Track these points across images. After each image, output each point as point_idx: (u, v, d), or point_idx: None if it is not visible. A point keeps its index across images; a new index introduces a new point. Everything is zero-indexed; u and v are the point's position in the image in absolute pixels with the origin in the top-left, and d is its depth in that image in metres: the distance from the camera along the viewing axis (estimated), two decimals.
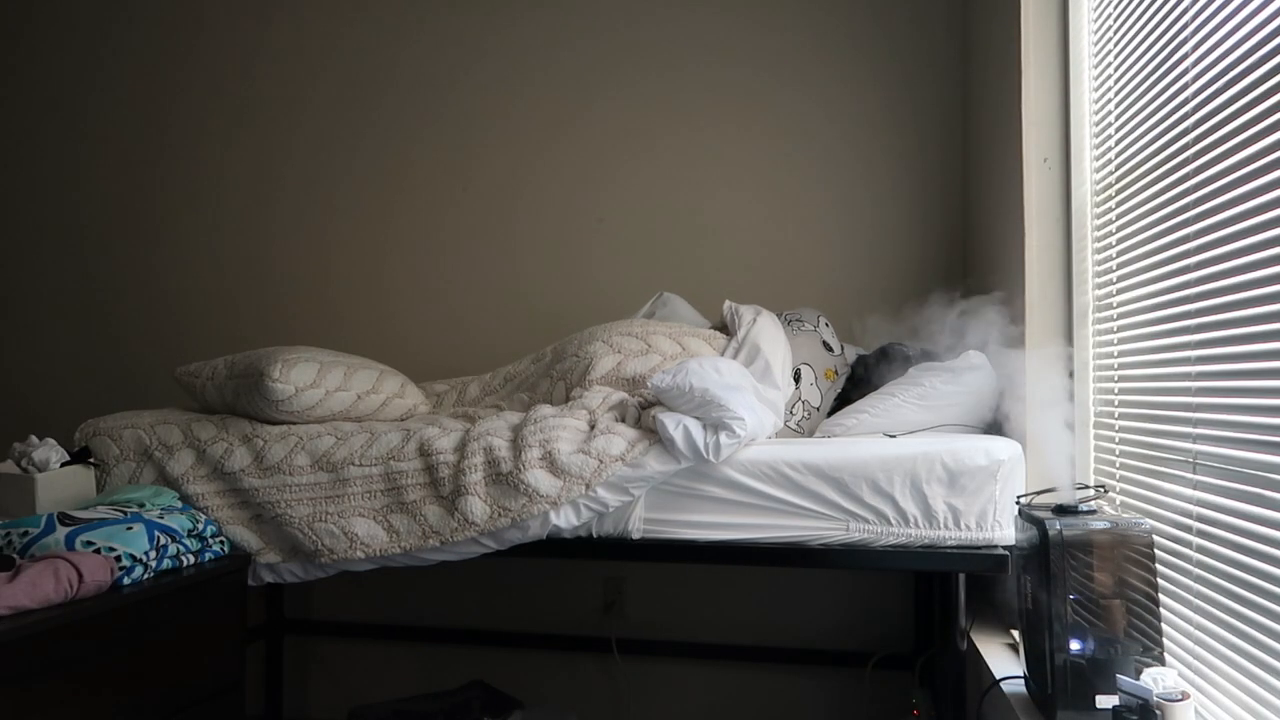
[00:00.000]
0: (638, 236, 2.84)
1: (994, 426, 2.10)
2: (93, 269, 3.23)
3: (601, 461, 1.80)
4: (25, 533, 1.61)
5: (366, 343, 2.76)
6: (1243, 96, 1.21)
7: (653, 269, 2.78)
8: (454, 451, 1.87)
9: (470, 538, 1.82)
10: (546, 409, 1.97)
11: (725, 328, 2.29)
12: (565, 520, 1.82)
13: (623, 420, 1.93)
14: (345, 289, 3.02)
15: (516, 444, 1.84)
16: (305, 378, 1.96)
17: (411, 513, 1.85)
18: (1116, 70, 1.70)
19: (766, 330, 2.16)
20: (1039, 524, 1.46)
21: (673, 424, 1.80)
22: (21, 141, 3.31)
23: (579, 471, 1.79)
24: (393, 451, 1.90)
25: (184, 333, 3.10)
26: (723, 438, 1.77)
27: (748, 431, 1.79)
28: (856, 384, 2.27)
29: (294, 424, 2.01)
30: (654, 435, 1.83)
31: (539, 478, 1.80)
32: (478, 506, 1.81)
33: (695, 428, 1.79)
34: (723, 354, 2.13)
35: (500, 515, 1.80)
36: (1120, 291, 1.68)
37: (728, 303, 2.33)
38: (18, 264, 3.30)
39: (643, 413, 1.95)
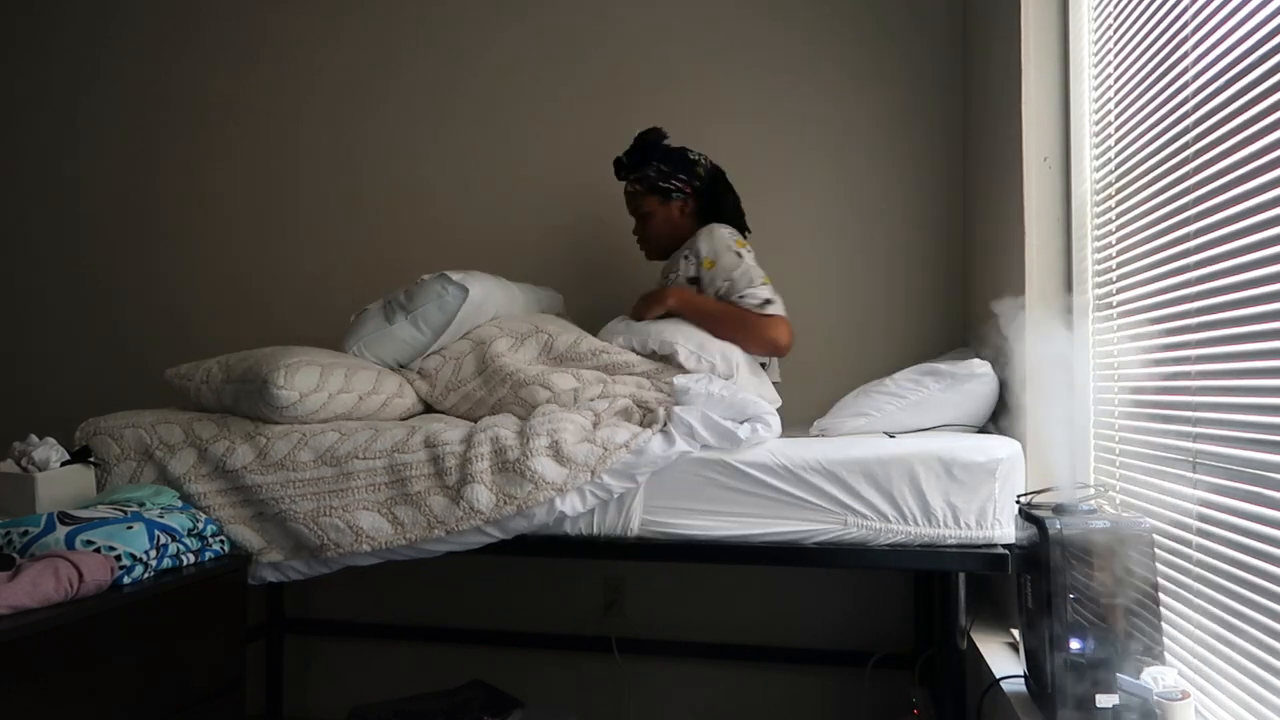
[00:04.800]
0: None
1: (991, 425, 2.11)
2: (94, 267, 3.23)
3: (606, 449, 1.82)
4: (25, 532, 1.61)
5: None
6: (1243, 96, 1.21)
7: (643, 261, 2.79)
8: (461, 442, 1.88)
9: (475, 526, 1.82)
10: (553, 405, 1.99)
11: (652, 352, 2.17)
12: (571, 507, 1.82)
13: (628, 421, 1.95)
14: (344, 287, 3.02)
15: (523, 434, 1.86)
16: (308, 382, 1.96)
17: (416, 504, 1.85)
18: (1116, 70, 1.70)
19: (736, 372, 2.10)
20: (1039, 523, 1.46)
21: (692, 414, 1.84)
22: (22, 141, 3.31)
23: (584, 459, 1.81)
24: (397, 444, 1.90)
25: (185, 332, 3.10)
26: (759, 427, 1.85)
27: (773, 431, 1.87)
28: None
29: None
30: (657, 425, 1.87)
31: (545, 465, 1.81)
32: (483, 494, 1.81)
33: (718, 416, 1.84)
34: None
35: (506, 503, 1.81)
36: (1120, 291, 1.68)
37: (620, 328, 2.22)
38: (18, 263, 3.30)
39: (647, 413, 1.96)
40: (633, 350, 2.13)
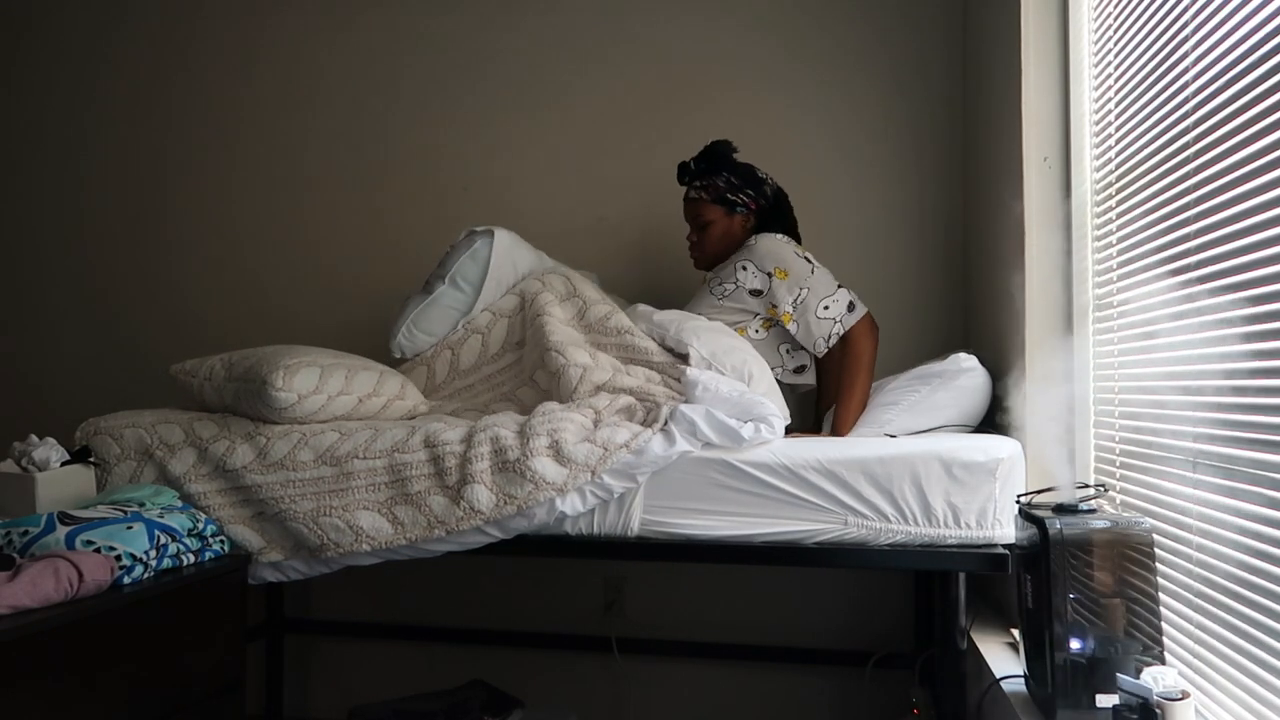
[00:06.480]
0: (637, 232, 2.84)
1: (989, 421, 2.11)
2: (96, 266, 3.23)
3: (606, 449, 1.81)
4: (25, 532, 1.61)
5: (372, 345, 2.75)
6: (1243, 96, 1.21)
7: (651, 265, 2.79)
8: (460, 442, 1.88)
9: (475, 526, 1.82)
10: (554, 404, 1.99)
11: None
12: (571, 507, 1.82)
13: (630, 420, 1.95)
14: (353, 283, 3.02)
15: (523, 434, 1.86)
16: (308, 384, 1.96)
17: (416, 504, 1.85)
18: (1116, 70, 1.70)
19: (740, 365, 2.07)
20: (1039, 523, 1.46)
21: (697, 412, 1.84)
22: (26, 141, 3.30)
23: (585, 459, 1.81)
24: (397, 444, 1.90)
25: (188, 331, 3.09)
26: (762, 428, 1.84)
27: (776, 432, 1.86)
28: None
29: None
30: (657, 424, 1.86)
31: (545, 465, 1.81)
32: (483, 495, 1.81)
33: (722, 415, 1.84)
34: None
35: (506, 503, 1.81)
36: (1120, 291, 1.68)
37: (647, 313, 2.20)
38: (21, 262, 3.30)
39: (650, 410, 1.96)
40: (652, 339, 2.14)
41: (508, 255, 2.30)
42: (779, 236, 2.28)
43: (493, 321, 2.27)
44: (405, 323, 2.28)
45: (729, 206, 2.34)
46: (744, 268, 2.24)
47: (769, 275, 2.21)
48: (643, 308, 2.23)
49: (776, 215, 2.38)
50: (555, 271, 2.35)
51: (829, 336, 2.17)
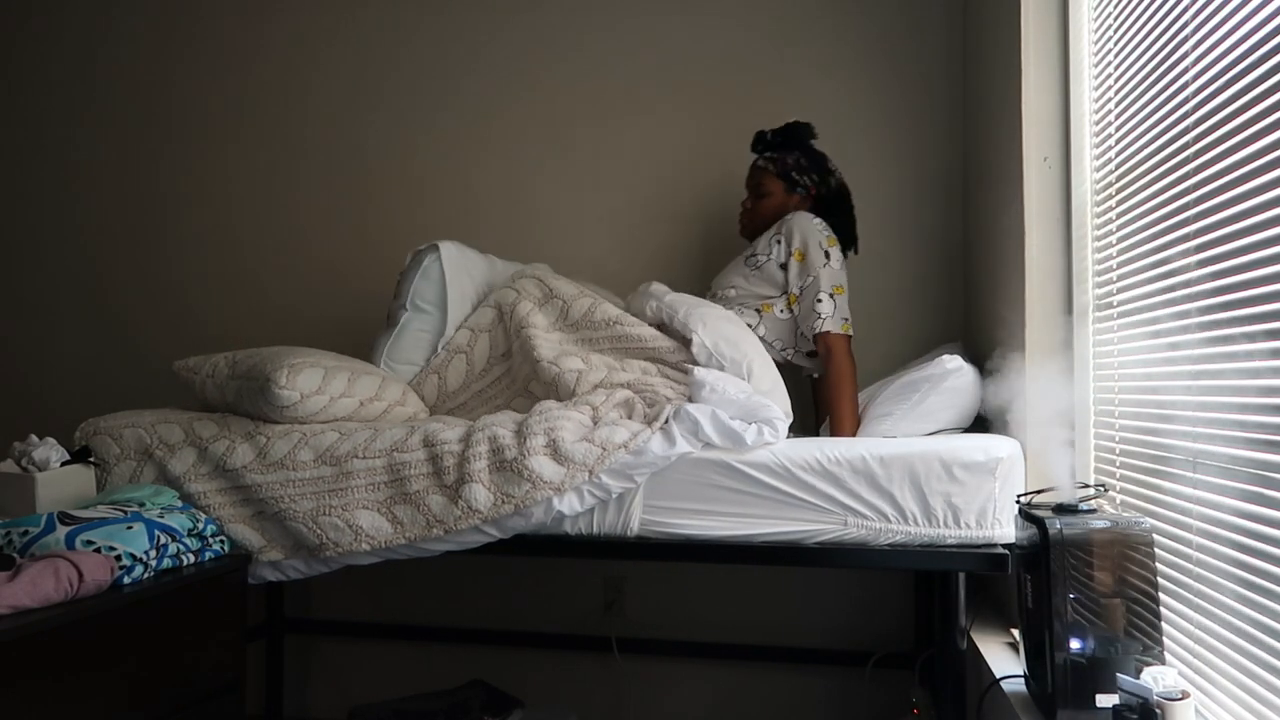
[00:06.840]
0: (637, 234, 2.84)
1: (983, 419, 2.11)
2: (96, 266, 3.23)
3: (604, 449, 1.81)
4: (25, 532, 1.61)
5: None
6: (1243, 96, 1.21)
7: (651, 267, 2.78)
8: (459, 441, 1.88)
9: (473, 525, 1.82)
10: (551, 403, 1.98)
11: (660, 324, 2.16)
12: (569, 506, 1.82)
13: (629, 417, 1.94)
14: (350, 282, 3.01)
15: (521, 433, 1.85)
16: (311, 384, 1.96)
17: (415, 503, 1.85)
18: (1116, 70, 1.70)
19: (735, 348, 2.06)
20: (1039, 523, 1.46)
21: (702, 412, 1.84)
22: (26, 141, 3.31)
23: (583, 459, 1.80)
24: (396, 444, 1.90)
25: (188, 331, 3.09)
26: (765, 430, 1.83)
27: (779, 435, 1.86)
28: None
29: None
30: (657, 423, 1.85)
31: (542, 464, 1.80)
32: (481, 494, 1.81)
33: (726, 417, 1.83)
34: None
35: (504, 502, 1.81)
36: (1120, 291, 1.68)
37: (660, 292, 2.20)
38: (21, 262, 3.30)
39: (650, 409, 1.95)
40: (659, 323, 2.14)
41: (459, 265, 2.29)
42: (815, 220, 2.29)
43: (473, 338, 2.25)
44: (382, 359, 2.26)
45: (790, 185, 2.39)
46: (777, 241, 2.28)
47: (790, 254, 2.25)
48: (656, 286, 2.23)
49: (834, 209, 2.40)
50: (523, 275, 2.33)
51: (813, 329, 2.20)
